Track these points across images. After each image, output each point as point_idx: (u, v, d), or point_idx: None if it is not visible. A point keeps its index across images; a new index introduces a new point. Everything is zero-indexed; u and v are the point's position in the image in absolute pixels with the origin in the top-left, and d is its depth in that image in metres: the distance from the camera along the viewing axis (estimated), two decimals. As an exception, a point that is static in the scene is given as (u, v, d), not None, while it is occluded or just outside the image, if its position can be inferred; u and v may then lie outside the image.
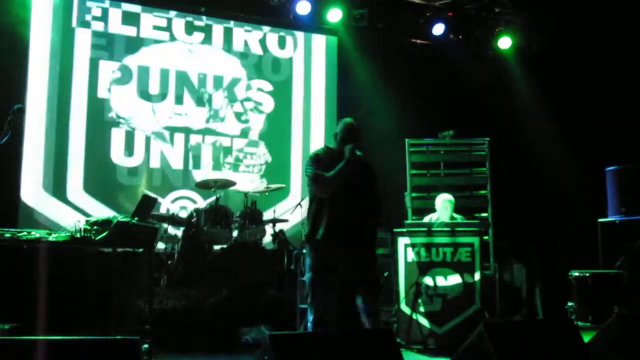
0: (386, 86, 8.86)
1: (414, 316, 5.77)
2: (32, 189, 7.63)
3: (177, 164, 8.47)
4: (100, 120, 8.10)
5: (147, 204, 5.76)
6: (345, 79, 9.32)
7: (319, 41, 9.40)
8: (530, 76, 9.10)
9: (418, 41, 9.43)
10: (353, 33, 9.18)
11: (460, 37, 9.37)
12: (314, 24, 9.04)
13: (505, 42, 9.25)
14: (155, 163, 8.35)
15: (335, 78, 9.40)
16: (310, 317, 4.39)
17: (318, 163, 4.46)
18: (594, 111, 8.43)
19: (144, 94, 8.36)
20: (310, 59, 9.33)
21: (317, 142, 9.14)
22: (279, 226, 7.69)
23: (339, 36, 9.38)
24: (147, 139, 8.31)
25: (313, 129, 9.26)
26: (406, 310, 5.84)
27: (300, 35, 9.28)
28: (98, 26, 8.16)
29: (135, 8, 8.37)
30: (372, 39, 9.19)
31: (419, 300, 5.81)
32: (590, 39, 8.38)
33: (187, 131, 8.52)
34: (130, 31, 8.34)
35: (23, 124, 7.42)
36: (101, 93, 8.11)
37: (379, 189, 4.67)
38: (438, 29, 9.03)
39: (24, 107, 4.03)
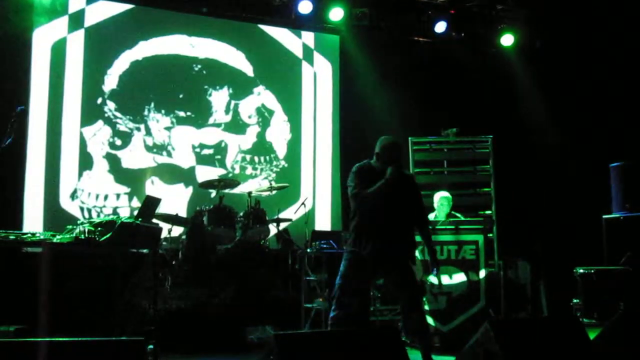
0: (389, 84, 8.84)
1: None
2: (35, 193, 7.58)
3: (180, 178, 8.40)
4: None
5: (151, 205, 5.77)
6: (347, 78, 9.30)
7: (322, 40, 9.37)
8: (533, 73, 9.06)
9: (420, 39, 9.40)
10: (355, 32, 9.16)
11: (463, 34, 9.35)
12: (316, 23, 9.02)
13: (507, 39, 9.22)
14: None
15: (338, 77, 9.37)
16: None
17: (361, 179, 4.55)
18: (598, 107, 8.40)
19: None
20: (314, 59, 9.31)
21: (324, 143, 9.15)
22: (283, 226, 7.68)
23: (341, 35, 9.36)
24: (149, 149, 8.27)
25: (319, 129, 9.25)
26: (411, 308, 5.81)
27: (306, 35, 9.25)
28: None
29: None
30: (374, 37, 9.17)
31: (424, 299, 5.81)
32: (593, 34, 8.36)
33: (194, 139, 8.48)
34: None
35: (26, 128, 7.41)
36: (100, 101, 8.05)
37: (421, 201, 4.82)
38: (440, 27, 9.00)
39: (27, 109, 4.01)
